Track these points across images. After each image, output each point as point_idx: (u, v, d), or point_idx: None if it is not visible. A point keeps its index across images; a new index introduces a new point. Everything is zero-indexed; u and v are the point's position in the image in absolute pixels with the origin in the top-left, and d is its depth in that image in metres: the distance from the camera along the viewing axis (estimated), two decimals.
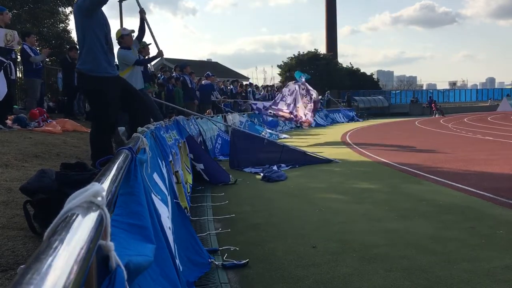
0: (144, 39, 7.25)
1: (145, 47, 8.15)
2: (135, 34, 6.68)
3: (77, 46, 5.51)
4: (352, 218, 4.10)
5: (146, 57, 7.91)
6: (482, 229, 3.60)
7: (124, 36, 6.57)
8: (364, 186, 5.68)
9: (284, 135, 14.37)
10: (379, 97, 36.68)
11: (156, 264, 1.40)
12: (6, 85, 6.63)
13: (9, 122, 7.16)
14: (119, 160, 1.35)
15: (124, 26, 12.73)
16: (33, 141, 5.84)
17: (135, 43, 6.85)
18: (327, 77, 43.44)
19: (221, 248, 3.31)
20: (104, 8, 4.38)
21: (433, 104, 32.07)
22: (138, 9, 6.31)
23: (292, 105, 11.99)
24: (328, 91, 32.25)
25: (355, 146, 10.88)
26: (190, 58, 57.12)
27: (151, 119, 4.74)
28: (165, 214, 2.23)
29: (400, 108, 35.89)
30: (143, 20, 6.42)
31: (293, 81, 12.44)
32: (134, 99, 4.57)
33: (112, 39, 4.58)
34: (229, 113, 13.30)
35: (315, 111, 12.49)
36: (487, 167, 6.76)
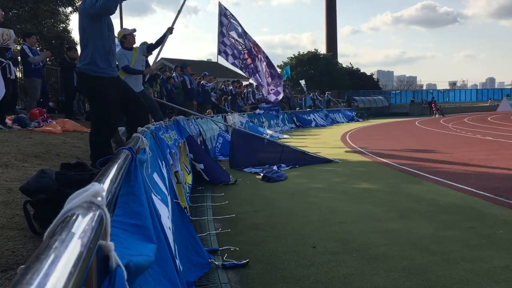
0: (145, 40, 7.27)
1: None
2: (136, 34, 6.67)
3: (76, 46, 5.53)
4: (352, 218, 4.09)
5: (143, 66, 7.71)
6: (482, 229, 3.60)
7: (126, 36, 6.57)
8: (364, 186, 5.68)
9: (284, 135, 14.38)
10: (379, 97, 36.68)
11: (157, 264, 1.40)
12: (3, 85, 6.62)
13: (9, 122, 7.16)
14: (119, 160, 1.35)
15: (124, 26, 12.73)
16: (33, 141, 5.84)
17: (142, 50, 6.87)
18: (327, 77, 43.49)
19: (221, 248, 3.31)
20: None
21: (433, 104, 32.08)
22: (168, 26, 7.20)
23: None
24: (328, 91, 32.26)
25: (355, 146, 10.88)
26: (190, 58, 57.11)
27: (152, 119, 4.75)
28: (165, 214, 2.23)
29: (400, 108, 35.91)
30: (165, 37, 7.06)
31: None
32: (132, 101, 4.58)
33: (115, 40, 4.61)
34: (229, 113, 13.29)
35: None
36: (487, 167, 6.76)
